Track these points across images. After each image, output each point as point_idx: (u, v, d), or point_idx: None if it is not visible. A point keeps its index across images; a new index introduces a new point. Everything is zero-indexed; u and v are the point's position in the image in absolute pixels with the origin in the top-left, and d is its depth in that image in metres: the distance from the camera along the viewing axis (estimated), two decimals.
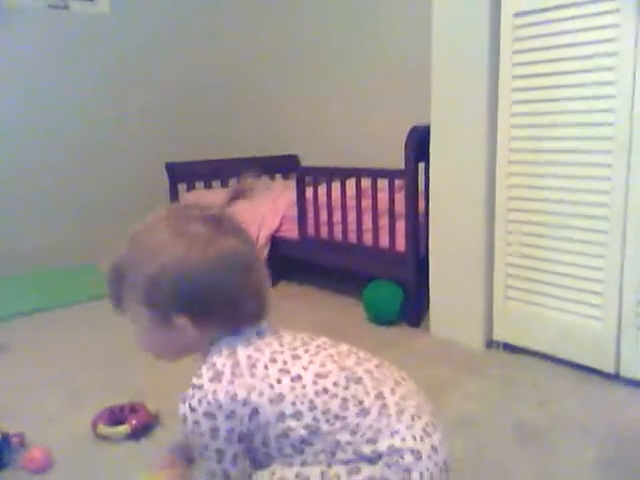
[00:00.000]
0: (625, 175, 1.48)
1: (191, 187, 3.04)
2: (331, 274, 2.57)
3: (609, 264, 1.54)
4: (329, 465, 0.75)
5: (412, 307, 2.07)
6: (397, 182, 2.10)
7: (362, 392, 0.79)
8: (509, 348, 1.82)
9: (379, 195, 2.16)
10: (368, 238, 2.22)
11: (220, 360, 0.80)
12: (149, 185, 3.45)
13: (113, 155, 3.66)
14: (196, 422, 0.77)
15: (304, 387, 0.77)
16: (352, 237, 2.28)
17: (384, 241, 2.17)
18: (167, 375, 1.54)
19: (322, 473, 0.74)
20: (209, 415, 0.76)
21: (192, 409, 0.77)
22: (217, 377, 0.78)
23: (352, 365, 0.84)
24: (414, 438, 0.76)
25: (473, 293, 1.85)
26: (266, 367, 0.79)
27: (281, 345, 0.83)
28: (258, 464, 0.80)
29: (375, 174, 2.17)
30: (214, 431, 0.76)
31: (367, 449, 0.74)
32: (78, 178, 3.56)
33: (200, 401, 0.77)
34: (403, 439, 0.75)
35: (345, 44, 3.09)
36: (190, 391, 0.79)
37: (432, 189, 1.94)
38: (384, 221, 2.16)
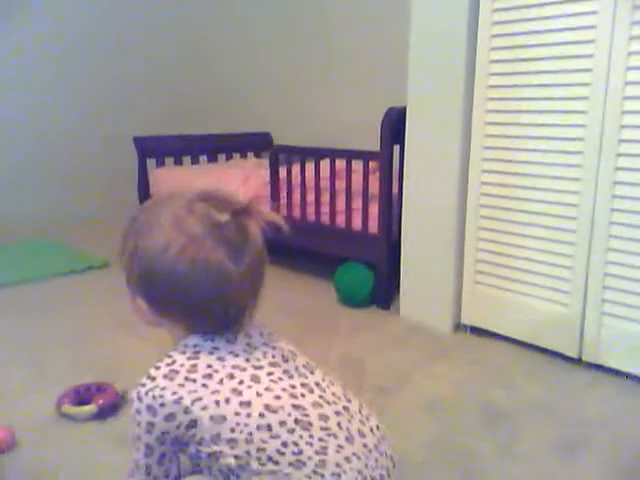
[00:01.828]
0: (596, 164, 1.50)
1: (161, 162, 2.97)
2: (302, 255, 2.56)
3: (578, 250, 1.57)
4: None
5: (383, 290, 2.08)
6: (371, 164, 2.09)
7: (305, 441, 0.74)
8: (476, 332, 1.85)
9: (353, 177, 2.15)
10: (341, 220, 2.22)
11: (180, 359, 0.78)
12: (119, 159, 3.37)
13: (80, 127, 3.55)
14: (138, 411, 0.76)
15: (249, 416, 0.74)
16: (325, 218, 2.27)
17: (357, 223, 2.16)
18: (135, 355, 1.52)
19: None
20: (151, 409, 0.75)
21: (139, 398, 0.76)
22: (171, 375, 0.76)
23: (309, 405, 0.78)
24: None
25: (443, 277, 1.87)
26: (221, 382, 0.76)
27: (247, 360, 0.79)
28: (191, 471, 0.80)
29: (350, 155, 2.16)
30: (150, 425, 0.75)
31: None
32: (50, 150, 3.45)
33: (147, 393, 0.75)
34: None
35: (324, 21, 3.04)
36: (144, 379, 0.77)
37: (406, 172, 1.94)
38: (357, 203, 2.15)
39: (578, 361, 1.63)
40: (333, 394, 0.83)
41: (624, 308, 1.52)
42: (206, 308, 0.79)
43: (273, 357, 0.82)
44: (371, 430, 0.83)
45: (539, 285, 1.68)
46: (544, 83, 1.58)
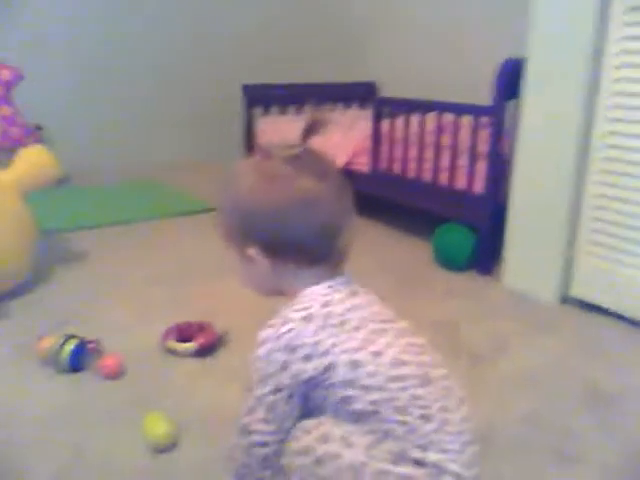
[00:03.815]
0: None
1: (266, 111, 3.00)
2: (401, 212, 2.51)
3: None
4: (377, 442, 0.73)
5: (484, 254, 1.99)
6: (482, 119, 1.97)
7: (430, 398, 0.76)
8: (585, 306, 1.72)
9: (461, 132, 2.04)
10: (444, 178, 2.13)
11: (315, 305, 0.79)
12: (225, 108, 3.44)
13: (191, 75, 3.65)
14: (273, 349, 0.77)
15: (381, 366, 0.75)
16: (427, 175, 2.19)
17: (461, 182, 2.06)
18: (234, 299, 1.58)
19: (367, 447, 0.73)
20: (288, 348, 0.76)
21: (277, 337, 0.77)
22: (309, 318, 0.77)
23: (429, 364, 0.80)
24: (462, 464, 0.74)
25: (552, 245, 1.75)
26: (356, 329, 0.77)
27: (372, 314, 0.81)
28: (307, 413, 0.80)
29: (459, 109, 2.04)
30: (285, 364, 0.76)
31: (414, 453, 0.72)
32: (158, 97, 3.59)
33: (286, 333, 0.77)
34: (453, 460, 0.73)
35: None
36: (280, 320, 0.79)
37: (520, 130, 1.80)
38: (463, 161, 2.05)
39: None
40: (436, 359, 0.83)
41: None
42: (306, 233, 0.81)
43: (389, 316, 0.83)
44: (462, 402, 0.82)
45: None
46: None
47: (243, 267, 0.87)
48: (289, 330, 0.77)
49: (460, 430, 0.76)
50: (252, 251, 0.83)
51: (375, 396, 0.74)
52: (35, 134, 1.92)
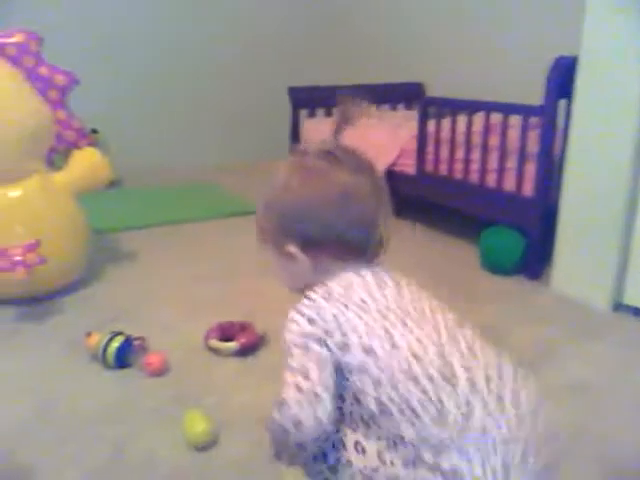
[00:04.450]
0: None
1: (312, 113, 3.01)
2: (447, 214, 2.46)
3: None
4: (387, 446, 0.71)
5: (534, 258, 1.93)
6: (532, 120, 1.91)
7: (449, 397, 0.70)
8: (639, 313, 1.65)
9: (509, 133, 1.99)
10: (492, 179, 2.07)
11: (336, 287, 0.80)
12: (274, 109, 3.47)
13: (240, 77, 3.71)
14: (296, 322, 0.78)
15: (396, 359, 0.72)
16: (474, 177, 2.14)
17: (510, 184, 2.01)
18: (277, 300, 1.59)
19: (378, 452, 0.71)
20: (311, 321, 0.77)
21: (300, 312, 0.78)
22: (328, 297, 0.78)
23: (456, 360, 0.74)
24: (485, 471, 0.67)
25: (606, 250, 1.68)
26: (374, 319, 0.76)
27: (396, 304, 0.78)
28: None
29: (507, 109, 1.99)
30: (307, 336, 0.76)
31: (428, 456, 0.68)
32: (208, 100, 3.66)
33: (308, 309, 0.78)
34: (470, 468, 0.67)
35: None
36: (303, 300, 0.80)
37: (573, 130, 1.74)
38: (512, 162, 1.99)
39: None
40: (484, 353, 0.77)
41: None
42: (343, 227, 0.81)
43: (421, 307, 0.81)
44: (526, 399, 0.75)
45: None
46: None
47: (281, 265, 0.87)
48: (310, 306, 0.78)
49: (486, 431, 0.69)
50: (292, 248, 0.83)
51: (385, 393, 0.71)
52: (90, 137, 1.99)
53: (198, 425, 1.12)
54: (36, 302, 1.72)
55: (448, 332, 0.78)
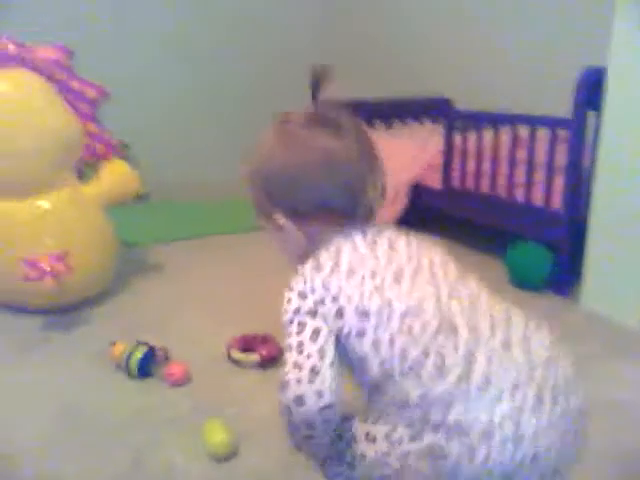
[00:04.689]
0: None
1: None
2: (474, 229, 2.43)
3: None
4: (395, 425, 0.70)
5: (562, 274, 1.88)
6: (560, 132, 1.88)
7: (449, 349, 0.69)
8: None
9: (537, 146, 1.96)
10: (520, 193, 2.04)
11: (324, 255, 0.79)
12: None
13: (270, 95, 3.76)
14: (289, 301, 0.77)
15: (390, 316, 0.72)
16: (501, 191, 2.11)
17: (538, 198, 1.97)
18: None
19: (387, 435, 0.71)
20: (302, 294, 0.76)
21: (290, 288, 0.78)
22: (318, 268, 0.78)
23: (456, 311, 0.72)
24: (491, 417, 0.65)
25: (636, 264, 1.63)
26: (363, 279, 0.75)
27: (388, 262, 0.77)
28: None
29: (535, 122, 1.96)
30: (299, 309, 0.76)
31: (435, 415, 0.67)
32: (238, 115, 3.71)
33: (298, 283, 0.78)
34: (475, 416, 0.65)
35: None
36: (294, 277, 0.80)
37: (602, 142, 1.70)
38: (540, 176, 1.96)
39: None
40: (489, 304, 0.76)
41: None
42: (329, 192, 0.80)
43: (418, 262, 0.78)
44: (539, 346, 0.74)
45: None
46: None
47: (275, 236, 0.87)
48: (300, 280, 0.77)
49: (489, 378, 0.67)
50: (279, 217, 0.83)
51: (384, 354, 0.70)
52: (120, 150, 2.03)
53: (217, 435, 1.12)
54: (64, 312, 1.75)
55: (449, 285, 0.76)
